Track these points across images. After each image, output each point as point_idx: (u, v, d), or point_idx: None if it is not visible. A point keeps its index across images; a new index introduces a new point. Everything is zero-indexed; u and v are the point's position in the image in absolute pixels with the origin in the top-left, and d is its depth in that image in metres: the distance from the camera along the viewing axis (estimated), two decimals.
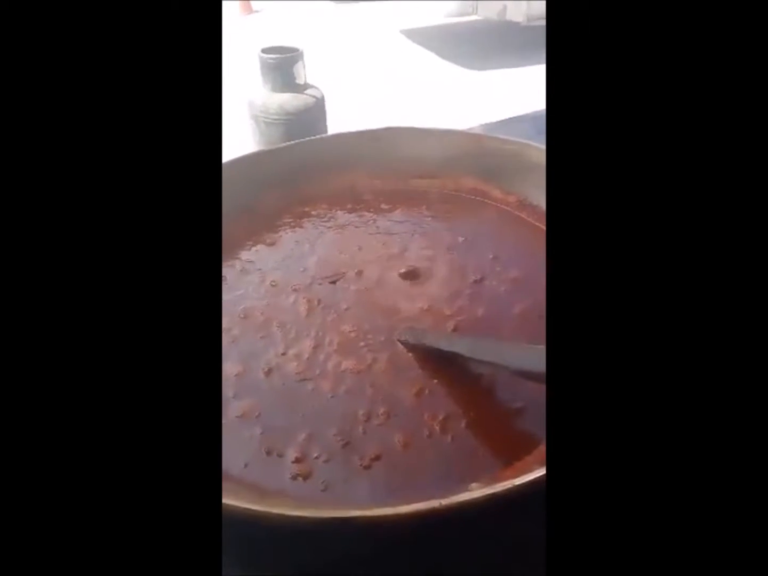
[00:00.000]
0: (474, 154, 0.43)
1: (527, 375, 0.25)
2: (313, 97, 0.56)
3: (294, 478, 0.25)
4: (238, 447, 0.26)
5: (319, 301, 0.34)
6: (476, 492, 0.19)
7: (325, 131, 0.57)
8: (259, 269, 0.37)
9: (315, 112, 0.56)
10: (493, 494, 0.19)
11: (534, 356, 0.23)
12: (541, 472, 0.19)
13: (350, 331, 0.32)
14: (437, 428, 0.27)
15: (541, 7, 1.93)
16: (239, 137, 0.60)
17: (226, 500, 0.20)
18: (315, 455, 0.26)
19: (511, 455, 0.25)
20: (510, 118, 0.64)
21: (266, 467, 0.26)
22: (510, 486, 0.19)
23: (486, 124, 0.64)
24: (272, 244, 0.39)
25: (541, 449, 0.25)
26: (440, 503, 0.18)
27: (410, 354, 0.31)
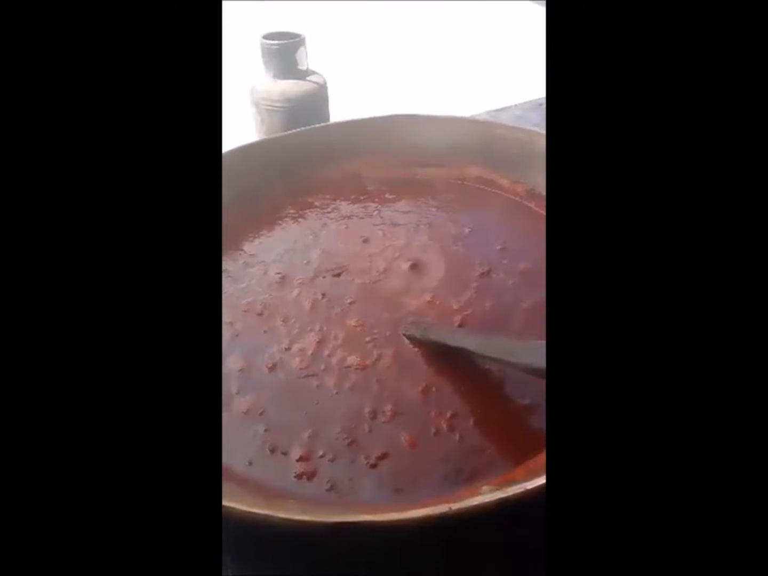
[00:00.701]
0: (481, 142, 0.42)
1: (536, 372, 0.24)
2: (315, 83, 0.54)
3: (299, 477, 0.25)
4: (242, 444, 0.26)
5: (323, 295, 0.33)
6: (487, 496, 0.18)
7: (328, 118, 0.56)
8: (262, 261, 0.36)
9: (318, 98, 0.55)
10: (506, 499, 0.18)
11: (543, 352, 0.22)
12: None
13: (355, 326, 0.31)
14: (445, 426, 0.26)
15: None
16: (241, 125, 0.58)
17: (230, 502, 0.19)
18: (320, 454, 0.25)
19: (521, 454, 0.25)
20: (515, 105, 0.62)
21: (270, 465, 0.25)
22: (522, 491, 0.18)
23: (491, 111, 0.62)
24: (275, 235, 0.39)
25: None
26: (450, 508, 0.18)
27: (416, 349, 0.30)
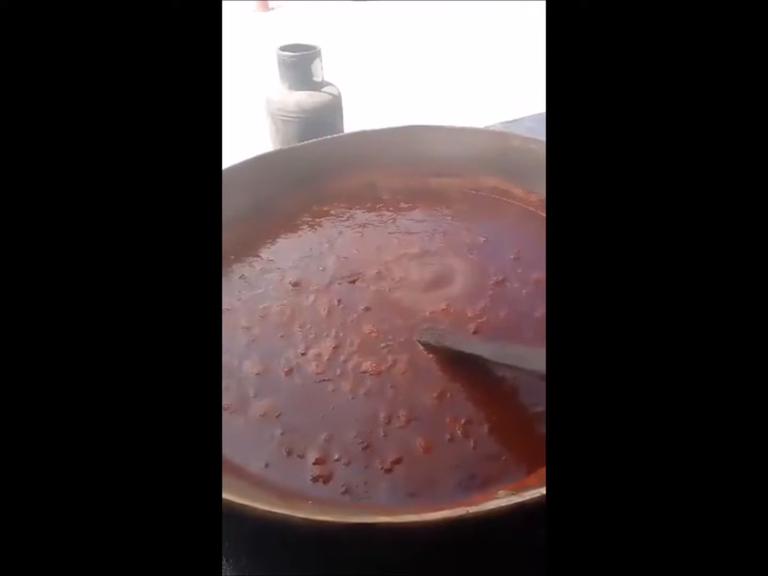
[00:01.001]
0: (495, 153, 0.42)
1: None
2: (330, 94, 0.55)
3: (314, 480, 0.25)
4: (259, 446, 0.26)
5: (339, 301, 0.34)
6: (503, 500, 0.19)
7: (342, 129, 0.57)
8: (279, 268, 0.37)
9: (332, 110, 0.56)
10: (522, 503, 0.18)
11: None
12: None
13: (370, 332, 0.32)
14: (459, 432, 0.26)
15: None
16: (257, 135, 0.60)
17: (249, 502, 0.20)
18: (335, 457, 0.26)
19: (534, 461, 0.25)
20: (528, 117, 0.63)
21: (287, 468, 0.26)
22: (539, 495, 0.18)
23: (504, 122, 0.63)
24: (292, 242, 0.39)
25: None
26: (468, 511, 0.18)
27: (431, 356, 0.30)
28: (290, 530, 0.20)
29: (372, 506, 0.23)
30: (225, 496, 0.19)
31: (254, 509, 0.19)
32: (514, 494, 0.19)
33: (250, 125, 0.64)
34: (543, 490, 0.19)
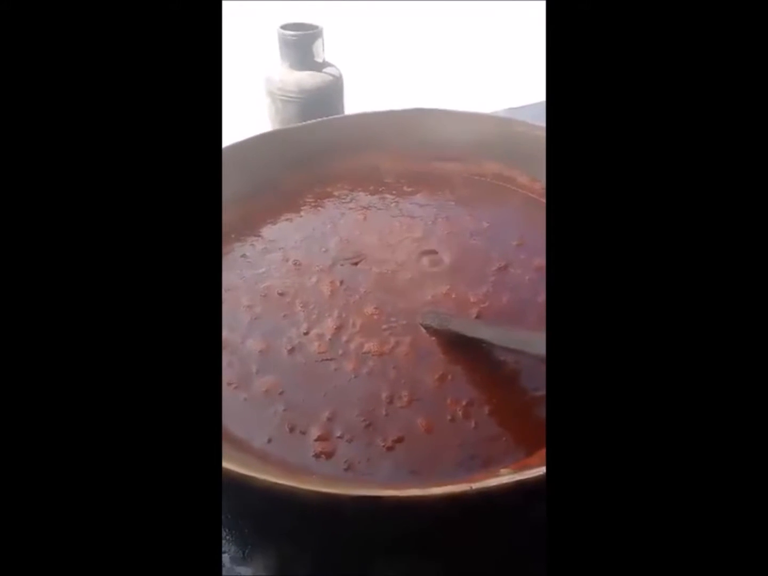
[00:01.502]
0: (500, 139, 0.42)
1: None
2: (331, 75, 0.55)
3: (317, 456, 0.25)
4: (262, 422, 0.27)
5: (341, 282, 0.34)
6: (506, 477, 0.19)
7: (342, 111, 0.57)
8: (281, 248, 0.37)
9: (333, 90, 0.55)
10: (524, 481, 0.19)
11: None
12: None
13: (372, 314, 0.32)
14: (460, 413, 0.27)
15: None
16: (255, 115, 0.59)
17: (255, 473, 0.20)
18: (338, 434, 0.26)
19: (534, 443, 0.25)
20: (534, 104, 0.63)
21: (289, 444, 0.26)
22: (540, 474, 0.19)
23: (509, 109, 0.63)
24: (294, 223, 0.39)
25: None
26: (471, 487, 0.18)
27: (433, 338, 0.30)
28: (296, 502, 0.20)
29: (373, 482, 0.24)
30: (230, 467, 0.20)
31: (263, 481, 0.19)
32: (515, 473, 0.20)
33: (249, 104, 0.63)
34: (544, 470, 0.19)
